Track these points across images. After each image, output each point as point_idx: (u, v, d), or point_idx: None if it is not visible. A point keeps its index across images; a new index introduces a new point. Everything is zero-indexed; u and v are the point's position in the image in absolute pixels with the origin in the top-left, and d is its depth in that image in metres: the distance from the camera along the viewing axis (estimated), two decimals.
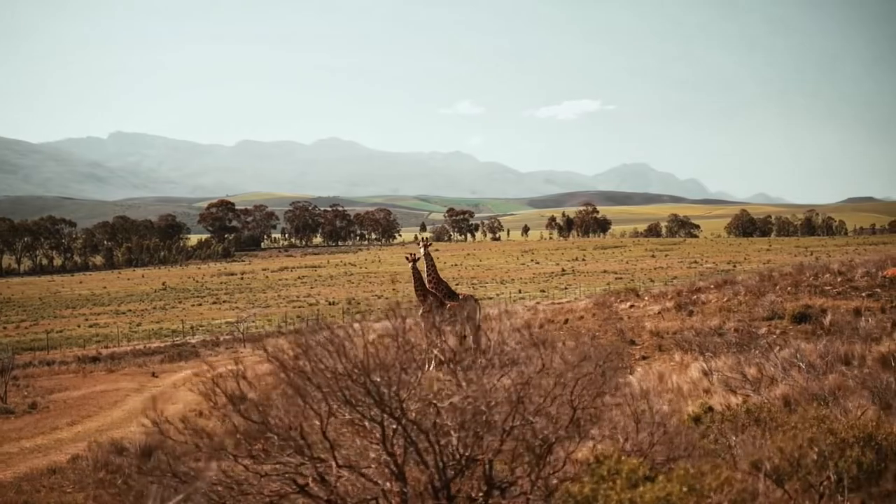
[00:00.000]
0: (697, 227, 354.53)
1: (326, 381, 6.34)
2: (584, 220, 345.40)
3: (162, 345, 64.16)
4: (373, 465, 6.13)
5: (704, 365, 17.49)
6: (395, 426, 6.11)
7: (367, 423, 6.23)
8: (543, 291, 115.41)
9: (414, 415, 6.11)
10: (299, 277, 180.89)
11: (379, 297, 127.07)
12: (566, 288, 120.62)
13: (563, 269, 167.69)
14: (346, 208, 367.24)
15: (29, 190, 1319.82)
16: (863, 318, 23.53)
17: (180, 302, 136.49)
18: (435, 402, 6.21)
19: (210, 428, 7.60)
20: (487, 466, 5.91)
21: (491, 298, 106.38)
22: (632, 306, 41.01)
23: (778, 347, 19.16)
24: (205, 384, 7.05)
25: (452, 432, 5.92)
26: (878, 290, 29.59)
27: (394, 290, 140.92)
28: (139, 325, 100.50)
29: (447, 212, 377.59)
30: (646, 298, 44.55)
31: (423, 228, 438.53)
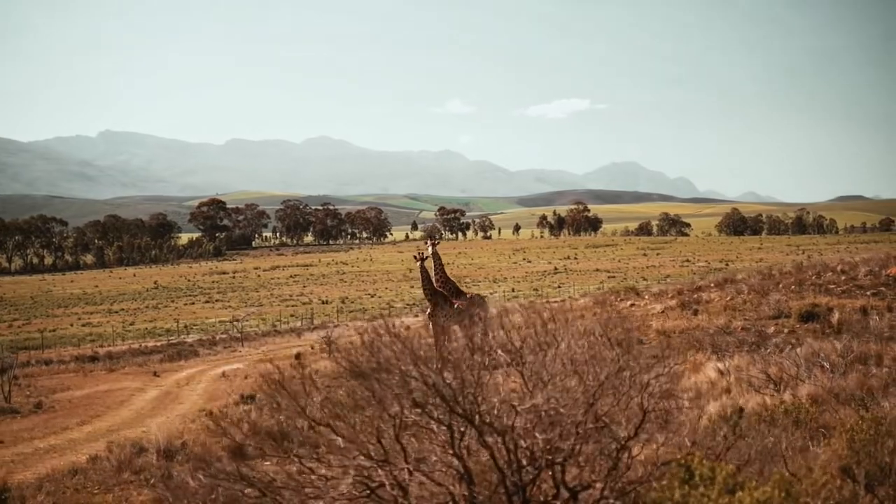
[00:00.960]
0: (688, 225, 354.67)
1: (398, 381, 6.21)
2: (576, 219, 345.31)
3: (158, 344, 63.94)
4: (437, 468, 6.01)
5: (720, 364, 17.41)
6: (462, 428, 6.00)
7: (433, 425, 6.11)
8: (537, 290, 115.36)
9: (487, 416, 6.00)
10: (291, 276, 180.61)
11: (372, 297, 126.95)
12: (559, 287, 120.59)
13: (556, 268, 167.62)
14: (336, 207, 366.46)
15: (17, 189, 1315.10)
16: (872, 317, 23.49)
17: (173, 301, 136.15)
18: (514, 403, 6.10)
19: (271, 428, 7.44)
20: (559, 469, 5.80)
21: (485, 298, 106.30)
22: (632, 305, 40.96)
23: (790, 346, 19.12)
24: (268, 383, 6.90)
25: (538, 434, 5.81)
26: (883, 288, 29.58)
27: (387, 289, 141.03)
28: (132, 324, 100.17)
29: (438, 210, 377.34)
30: (646, 297, 44.51)
31: (415, 227, 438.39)
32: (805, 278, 34.65)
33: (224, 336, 68.01)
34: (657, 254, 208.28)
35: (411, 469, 5.95)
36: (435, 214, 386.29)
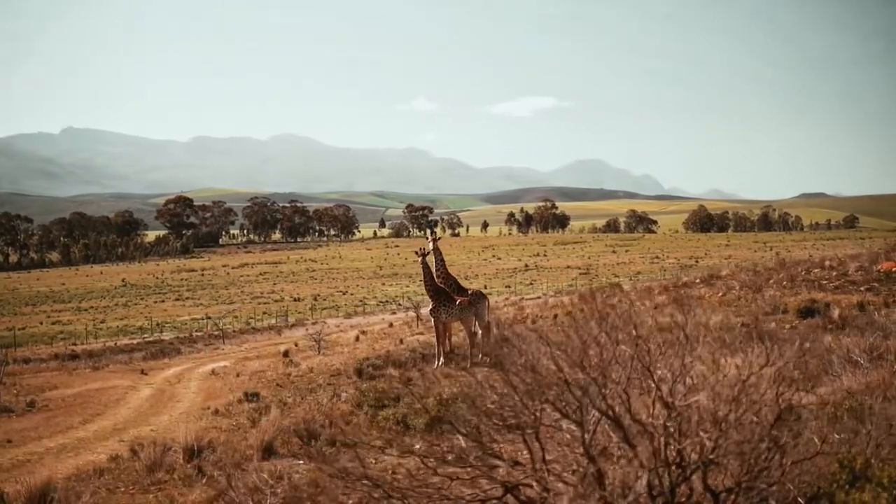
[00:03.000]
0: (655, 222, 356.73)
1: (534, 379, 6.00)
2: (543, 216, 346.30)
3: (134, 342, 63.45)
4: (566, 469, 5.81)
5: (737, 360, 17.28)
6: (592, 426, 5.80)
7: (563, 423, 5.91)
8: (509, 287, 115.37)
9: (638, 414, 5.82)
10: (261, 274, 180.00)
11: (344, 294, 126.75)
12: (531, 284, 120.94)
13: (526, 265, 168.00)
14: (304, 204, 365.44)
15: None
16: (875, 314, 23.51)
17: (142, 299, 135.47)
18: (670, 399, 5.91)
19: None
20: (703, 471, 5.62)
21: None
22: (619, 301, 40.97)
23: (803, 341, 19.02)
24: (401, 384, 6.70)
25: (702, 433, 5.63)
26: (876, 284, 29.65)
27: (358, 286, 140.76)
28: (103, 321, 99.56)
29: (406, 208, 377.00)
30: (632, 294, 44.56)
31: (382, 225, 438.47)
32: (796, 274, 34.75)
33: (200, 334, 67.60)
34: (626, 251, 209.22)
35: (548, 469, 5.74)
36: (403, 212, 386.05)
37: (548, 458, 5.85)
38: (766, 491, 5.48)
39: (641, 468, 5.53)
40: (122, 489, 11.70)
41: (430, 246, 25.44)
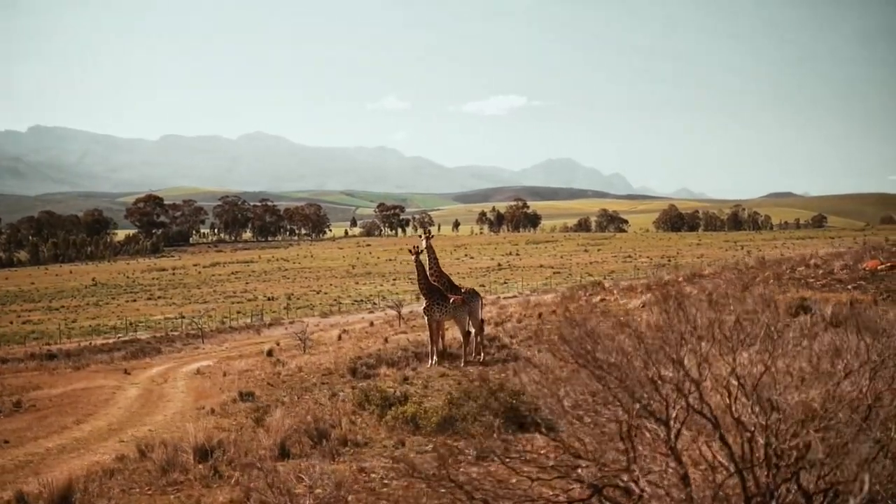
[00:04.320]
0: (626, 221, 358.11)
1: (619, 375, 5.85)
2: (515, 215, 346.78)
3: (109, 341, 62.92)
4: (654, 471, 5.66)
5: (745, 358, 17.27)
6: (678, 425, 5.67)
7: (647, 422, 5.77)
8: (483, 286, 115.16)
9: (737, 412, 5.70)
10: (232, 273, 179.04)
11: (318, 293, 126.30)
12: (505, 283, 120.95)
13: (499, 264, 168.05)
14: (275, 203, 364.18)
15: None
16: (866, 312, 23.56)
17: (113, 298, 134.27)
18: (773, 398, 5.81)
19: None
20: (799, 471, 5.50)
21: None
22: (603, 300, 40.98)
23: (804, 340, 19.04)
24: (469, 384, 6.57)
25: (811, 431, 5.51)
26: (862, 282, 29.74)
27: (331, 285, 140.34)
28: (75, 321, 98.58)
29: (378, 207, 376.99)
30: (615, 292, 44.60)
31: (354, 223, 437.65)
32: (782, 273, 34.86)
33: (177, 333, 67.12)
34: (598, 250, 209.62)
35: (639, 469, 5.60)
36: (374, 211, 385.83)
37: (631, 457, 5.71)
38: (872, 492, 5.35)
39: (735, 469, 5.43)
40: (138, 490, 11.50)
41: (424, 244, 25.29)
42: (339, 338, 45.21)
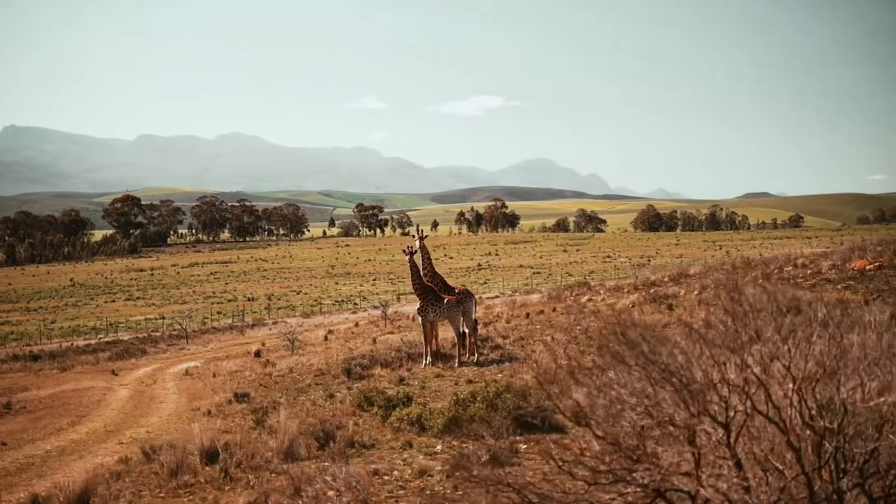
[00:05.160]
0: (604, 221, 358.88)
1: (684, 379, 5.74)
2: (494, 216, 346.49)
3: (91, 342, 62.60)
4: (713, 474, 5.55)
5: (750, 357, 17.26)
6: (738, 428, 5.58)
7: (707, 426, 5.66)
8: (464, 286, 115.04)
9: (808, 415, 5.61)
10: (211, 273, 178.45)
11: (298, 294, 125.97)
12: (486, 283, 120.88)
13: (479, 265, 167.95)
14: (252, 203, 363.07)
15: None
16: (860, 311, 23.62)
17: (92, 299, 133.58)
18: (845, 401, 5.73)
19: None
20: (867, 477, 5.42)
21: (412, 293, 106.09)
22: (590, 300, 41.02)
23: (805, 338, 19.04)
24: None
25: (886, 438, 5.44)
26: (851, 282, 29.88)
27: (311, 285, 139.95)
28: (54, 322, 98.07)
29: (356, 207, 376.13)
30: (601, 292, 44.64)
31: (332, 224, 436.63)
32: (770, 272, 34.99)
33: (159, 334, 66.79)
34: (577, 250, 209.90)
35: (701, 472, 5.50)
36: (353, 211, 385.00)
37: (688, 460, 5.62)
38: None
39: (802, 473, 5.36)
40: (148, 493, 11.38)
41: (418, 244, 25.19)
42: (326, 338, 45.07)
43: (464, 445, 12.21)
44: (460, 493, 9.21)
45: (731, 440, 5.51)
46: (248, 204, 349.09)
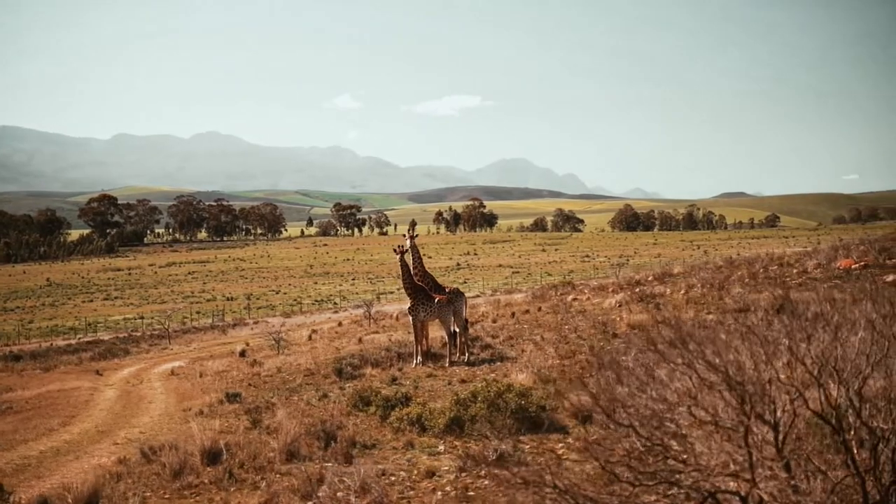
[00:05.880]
0: (582, 221, 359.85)
1: (738, 377, 5.65)
2: (472, 215, 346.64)
3: (71, 342, 62.30)
4: (760, 476, 5.48)
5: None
6: (787, 428, 5.51)
7: (754, 426, 5.57)
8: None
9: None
10: (189, 273, 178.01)
11: (277, 293, 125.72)
12: (465, 282, 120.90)
13: (458, 264, 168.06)
14: (230, 203, 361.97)
15: None
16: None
17: (69, 298, 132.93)
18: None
19: None
20: None
21: (392, 293, 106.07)
22: (574, 299, 40.99)
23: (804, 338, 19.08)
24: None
25: None
26: (838, 281, 29.94)
27: (290, 285, 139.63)
28: (31, 322, 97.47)
29: (334, 206, 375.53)
30: (586, 292, 44.61)
31: (310, 223, 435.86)
32: (756, 272, 35.06)
33: (139, 333, 66.49)
34: (556, 249, 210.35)
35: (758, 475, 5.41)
36: (330, 210, 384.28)
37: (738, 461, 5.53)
38: None
39: (856, 474, 5.32)
40: (151, 494, 11.26)
41: (409, 243, 25.12)
42: (310, 338, 44.91)
43: (466, 445, 12.16)
44: (505, 497, 9.12)
45: (780, 440, 5.45)
46: (225, 203, 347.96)
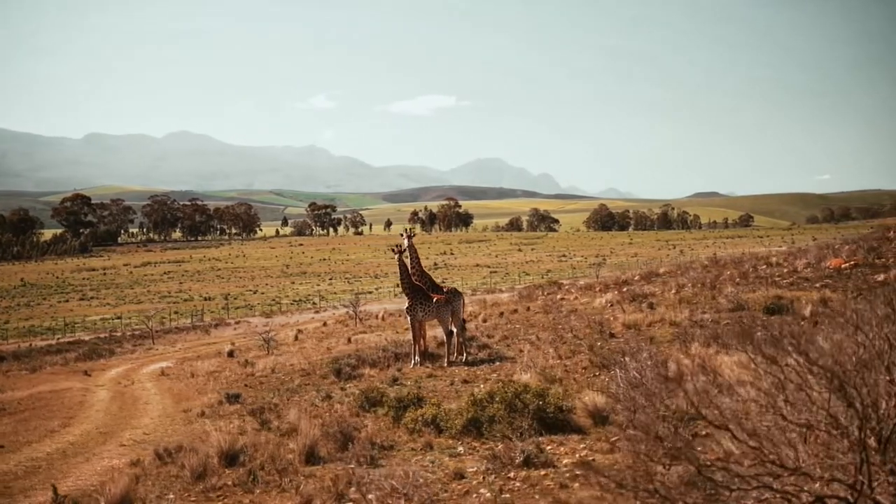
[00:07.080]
0: (557, 221, 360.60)
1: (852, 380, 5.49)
2: (447, 215, 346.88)
3: (52, 342, 61.79)
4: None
5: (732, 358, 17.23)
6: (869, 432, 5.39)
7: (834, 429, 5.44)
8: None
9: None
10: (165, 273, 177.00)
11: (255, 293, 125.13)
12: (444, 282, 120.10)
13: (435, 263, 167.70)
14: (204, 202, 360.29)
15: None
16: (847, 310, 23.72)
17: (45, 299, 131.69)
18: None
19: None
20: None
21: (370, 293, 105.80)
22: (563, 299, 41.04)
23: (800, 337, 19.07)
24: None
25: None
26: (829, 280, 30.07)
27: (267, 285, 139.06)
28: (7, 322, 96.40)
29: (309, 206, 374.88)
30: (573, 291, 44.71)
31: (285, 223, 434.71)
32: (747, 271, 35.19)
33: (119, 334, 66.01)
34: (532, 249, 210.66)
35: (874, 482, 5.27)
36: (305, 210, 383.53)
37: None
38: None
39: None
40: (174, 496, 11.11)
41: (406, 243, 25.02)
42: (297, 338, 44.77)
43: (486, 447, 12.08)
44: (544, 500, 9.03)
45: (885, 445, 5.34)
46: (199, 203, 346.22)
